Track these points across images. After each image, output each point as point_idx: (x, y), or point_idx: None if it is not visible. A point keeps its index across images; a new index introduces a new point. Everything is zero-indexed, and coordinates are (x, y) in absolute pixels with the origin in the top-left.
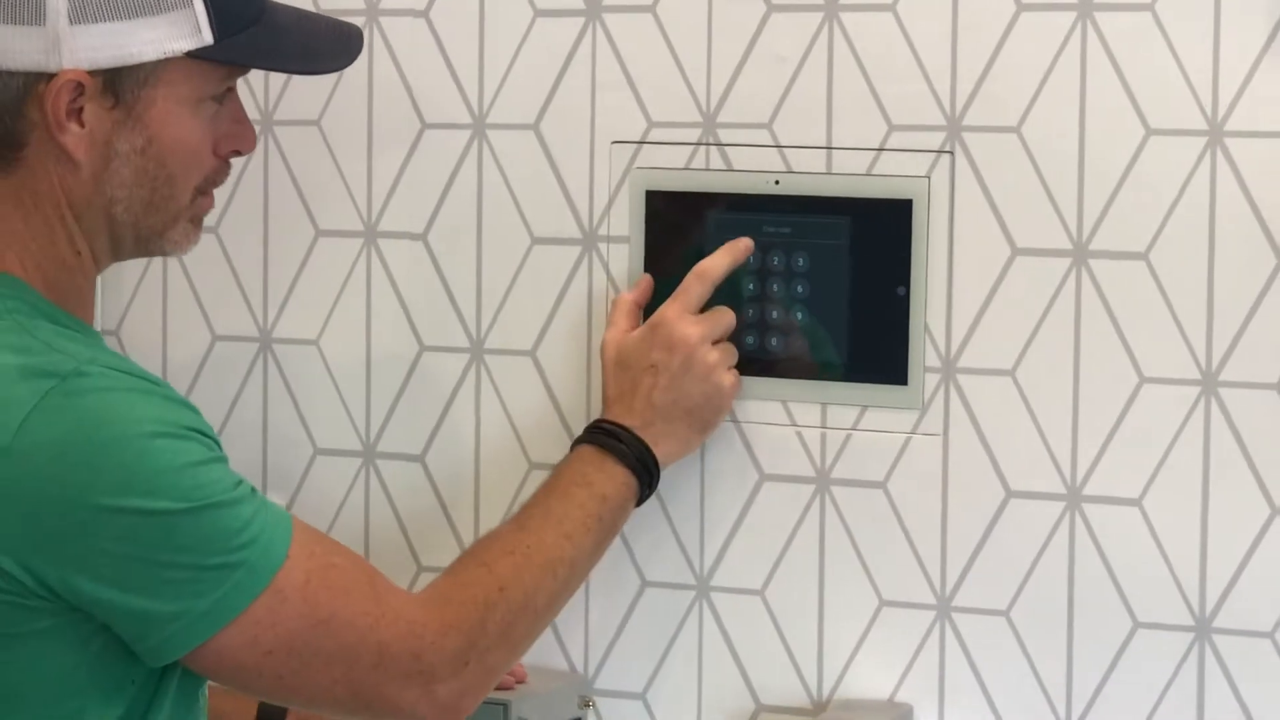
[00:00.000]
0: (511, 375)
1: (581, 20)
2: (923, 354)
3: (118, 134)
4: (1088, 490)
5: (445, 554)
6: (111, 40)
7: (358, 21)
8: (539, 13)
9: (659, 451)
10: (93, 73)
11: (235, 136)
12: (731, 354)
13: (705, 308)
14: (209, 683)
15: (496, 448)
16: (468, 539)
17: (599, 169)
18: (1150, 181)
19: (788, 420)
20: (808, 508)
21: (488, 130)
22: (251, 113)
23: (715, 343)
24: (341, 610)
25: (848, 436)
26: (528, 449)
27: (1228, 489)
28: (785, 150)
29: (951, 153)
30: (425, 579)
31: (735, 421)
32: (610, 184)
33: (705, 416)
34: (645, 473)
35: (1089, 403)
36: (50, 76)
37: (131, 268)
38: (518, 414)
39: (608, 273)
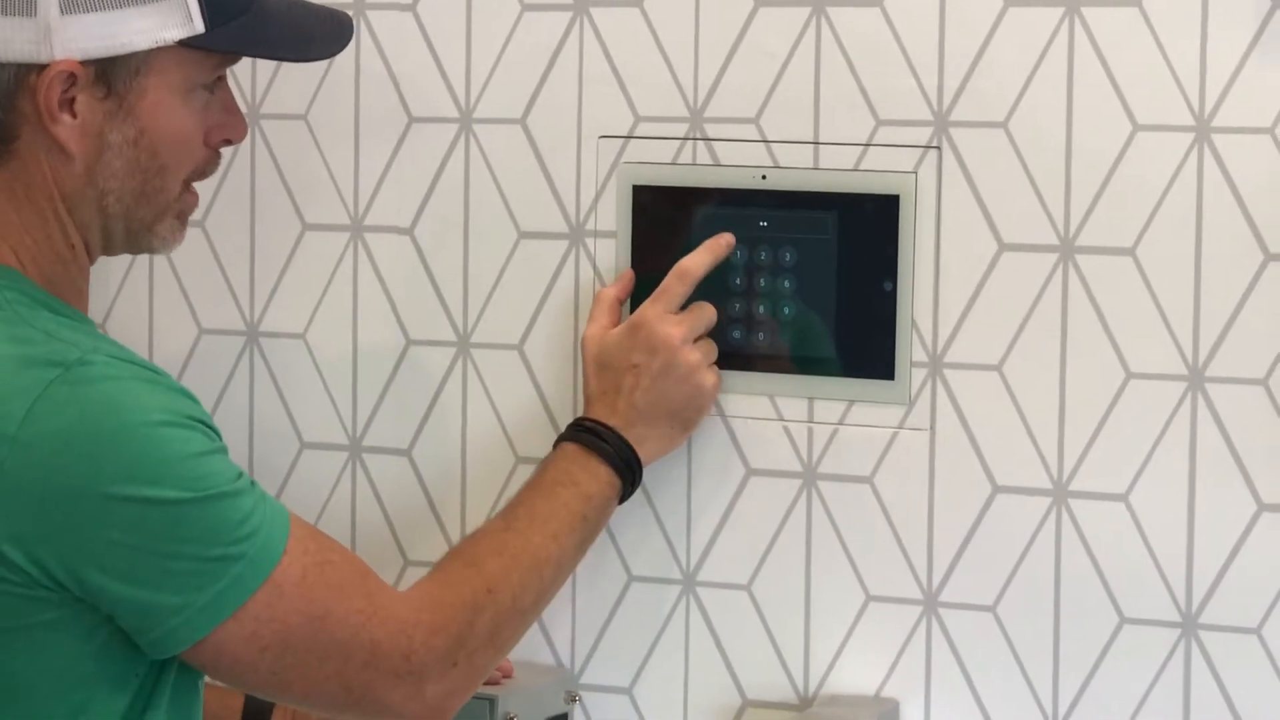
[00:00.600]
0: (498, 369)
1: (569, 14)
2: (910, 349)
3: (110, 125)
4: (1074, 485)
5: (432, 548)
6: (103, 30)
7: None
8: (526, 7)
9: (642, 451)
10: (84, 63)
11: (226, 126)
12: (712, 352)
13: (687, 303)
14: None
15: (483, 442)
16: (454, 533)
17: (586, 163)
18: (1137, 177)
19: (774, 415)
20: (794, 502)
21: (475, 124)
22: None
23: (696, 340)
24: (336, 607)
25: (834, 431)
26: (514, 443)
27: (1214, 484)
28: (772, 145)
29: (939, 148)
30: (412, 573)
31: (722, 416)
32: (597, 178)
33: (687, 416)
34: (628, 471)
35: (1076, 398)
36: (42, 68)
37: (118, 262)
38: (505, 408)
39: (595, 267)
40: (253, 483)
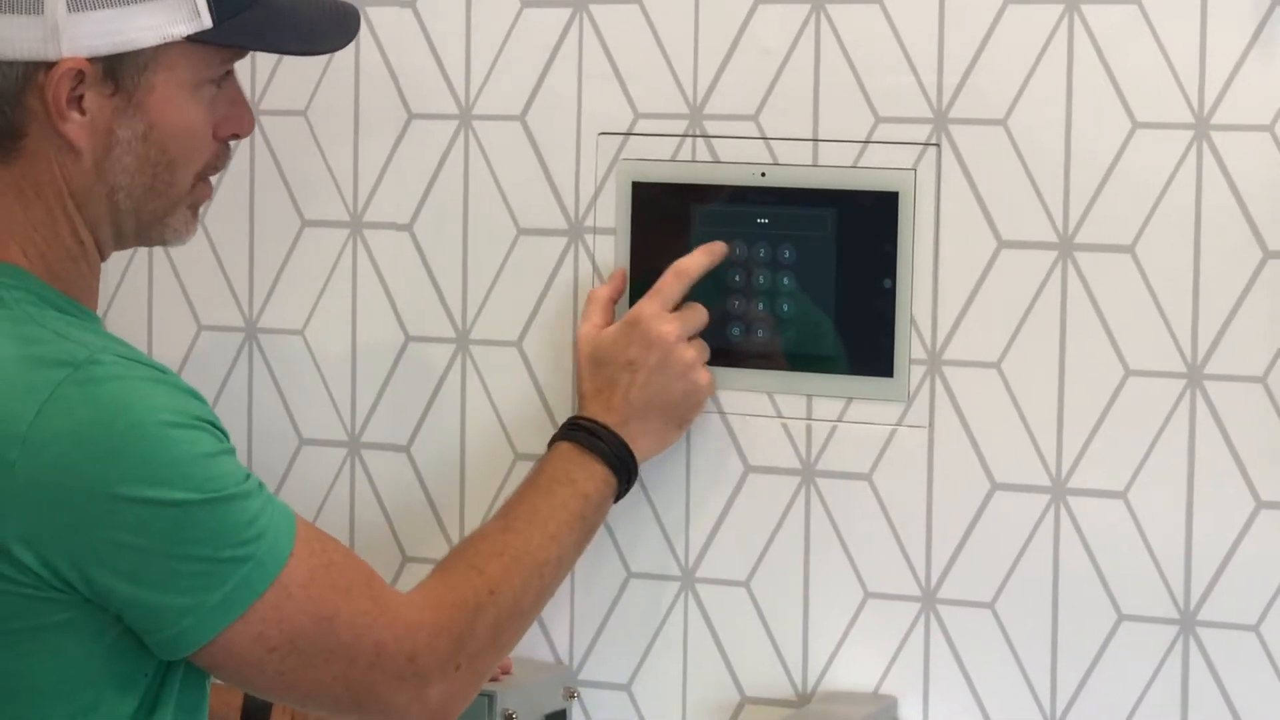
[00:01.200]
0: (497, 366)
1: (568, 11)
2: (908, 346)
3: (119, 121)
4: (1073, 483)
5: (431, 544)
6: (110, 27)
7: None
8: (525, 3)
9: (637, 448)
10: (92, 60)
11: (234, 119)
12: (706, 351)
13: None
14: None
15: (482, 438)
16: (453, 529)
17: (585, 160)
18: (1136, 175)
19: (773, 412)
20: (793, 499)
21: (474, 121)
22: None
23: (690, 339)
24: (343, 608)
25: (833, 428)
26: (513, 439)
27: (1213, 482)
28: (771, 142)
29: (938, 145)
30: (410, 569)
31: (720, 413)
32: (596, 175)
33: (682, 413)
34: (624, 470)
35: (1074, 395)
36: (50, 65)
37: (117, 258)
38: (503, 404)
39: (594, 264)
40: (260, 484)
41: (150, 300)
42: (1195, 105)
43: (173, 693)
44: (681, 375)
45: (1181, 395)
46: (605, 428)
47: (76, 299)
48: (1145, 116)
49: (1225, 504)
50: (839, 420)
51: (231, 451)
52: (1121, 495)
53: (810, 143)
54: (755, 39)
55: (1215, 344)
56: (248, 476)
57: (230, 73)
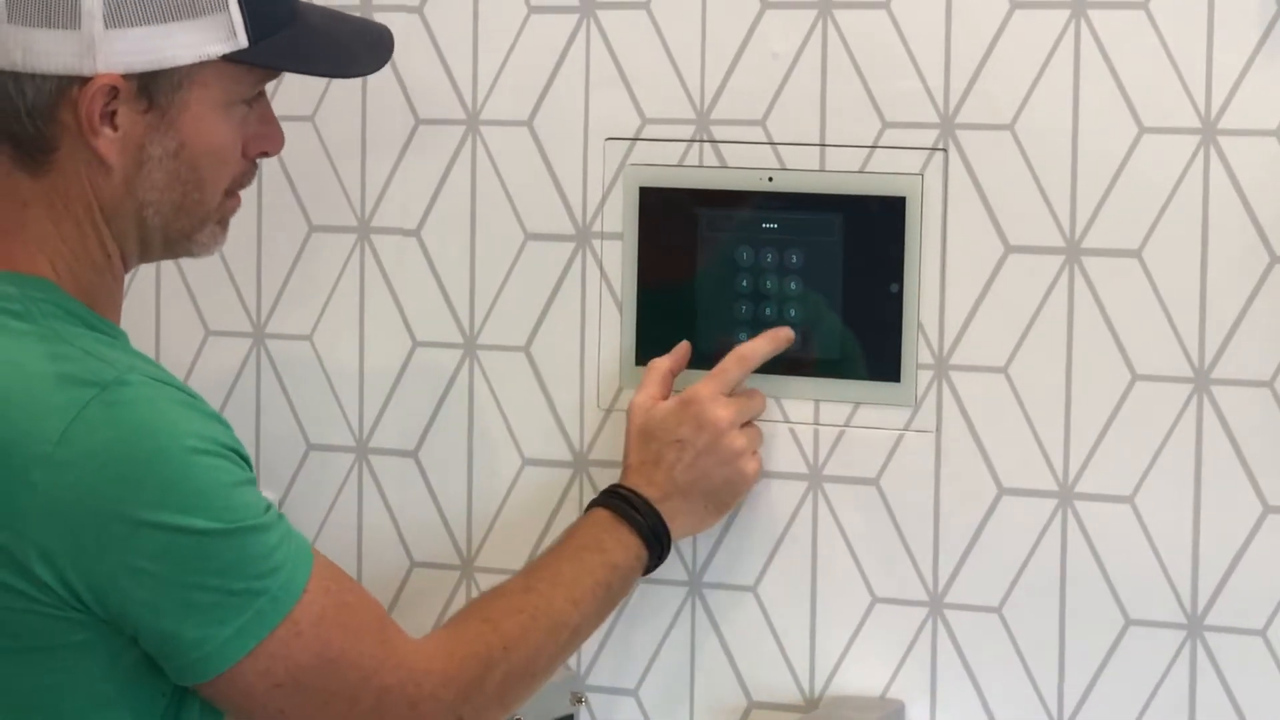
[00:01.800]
0: (505, 371)
1: (575, 16)
2: (916, 351)
3: (150, 137)
4: (1080, 487)
5: (438, 550)
6: (147, 44)
7: None
8: (533, 9)
9: (673, 526)
10: (127, 76)
11: (264, 138)
12: (758, 438)
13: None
14: None
15: (490, 443)
16: (460, 536)
17: (593, 165)
18: (1143, 179)
19: (781, 416)
20: (800, 504)
21: (481, 126)
22: None
23: (743, 426)
24: (350, 650)
25: (841, 433)
26: (521, 444)
27: (1220, 486)
28: (779, 147)
29: (945, 150)
30: (418, 575)
31: None
32: (604, 180)
33: (724, 499)
34: (657, 544)
35: (1081, 400)
36: (84, 80)
37: None
38: (511, 410)
39: (601, 269)
40: (281, 517)
41: (158, 306)
42: (1202, 110)
43: (192, 714)
44: (729, 460)
45: (1188, 400)
46: (644, 500)
47: (102, 312)
48: (1152, 121)
49: (1232, 508)
50: (846, 425)
51: (253, 481)
52: (1129, 500)
53: (817, 148)
54: (762, 44)
55: (1222, 349)
56: (268, 508)
57: (262, 92)
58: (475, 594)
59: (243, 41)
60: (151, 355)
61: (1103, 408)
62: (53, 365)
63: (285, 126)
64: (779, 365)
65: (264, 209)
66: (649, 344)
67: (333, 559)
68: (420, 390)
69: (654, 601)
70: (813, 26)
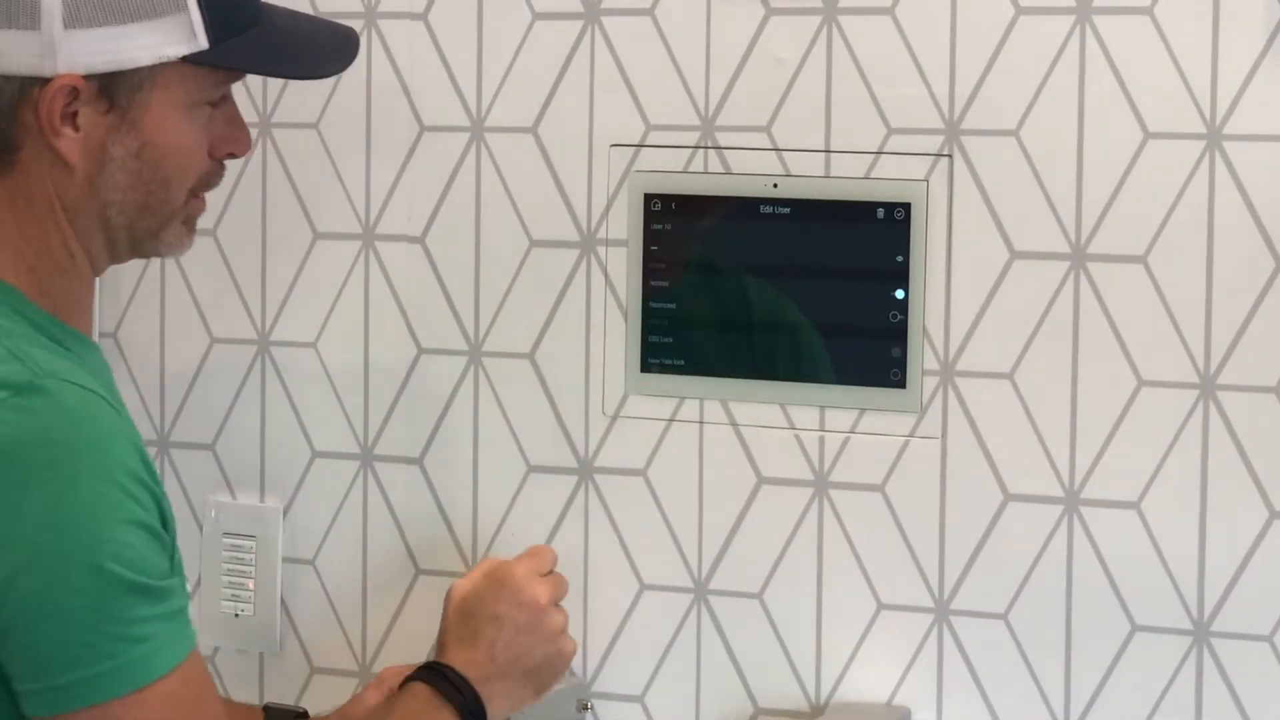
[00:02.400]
0: (510, 378)
1: (580, 23)
2: (921, 357)
3: (112, 138)
4: (1086, 493)
5: (443, 557)
6: (107, 45)
7: (356, 24)
8: (537, 15)
9: (491, 708)
10: (87, 77)
11: (230, 139)
12: (568, 620)
13: None
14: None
15: (495, 450)
16: (466, 542)
17: (597, 172)
18: (1149, 185)
19: (786, 423)
20: (806, 511)
21: (486, 133)
22: (249, 115)
23: (556, 605)
24: None
25: (846, 439)
26: (526, 452)
27: (1226, 492)
28: (784, 153)
29: (950, 156)
30: (424, 582)
31: (733, 424)
32: (609, 187)
33: (543, 679)
34: None
35: (1087, 406)
36: (45, 81)
37: (129, 271)
38: (516, 417)
39: (606, 276)
40: (179, 593)
41: (163, 313)
42: (1207, 115)
43: None
44: (549, 639)
45: (1194, 406)
46: (465, 680)
47: (66, 316)
48: (1157, 127)
49: (1239, 514)
50: (851, 431)
51: (161, 538)
52: (1135, 506)
53: (822, 154)
54: (767, 50)
55: (1228, 354)
56: (169, 578)
57: (227, 94)
58: None
59: (203, 43)
60: (156, 362)
61: (1108, 414)
62: None
63: (290, 134)
64: (784, 372)
65: (268, 216)
66: (653, 351)
67: (338, 567)
68: (425, 397)
69: (660, 608)
70: (817, 33)
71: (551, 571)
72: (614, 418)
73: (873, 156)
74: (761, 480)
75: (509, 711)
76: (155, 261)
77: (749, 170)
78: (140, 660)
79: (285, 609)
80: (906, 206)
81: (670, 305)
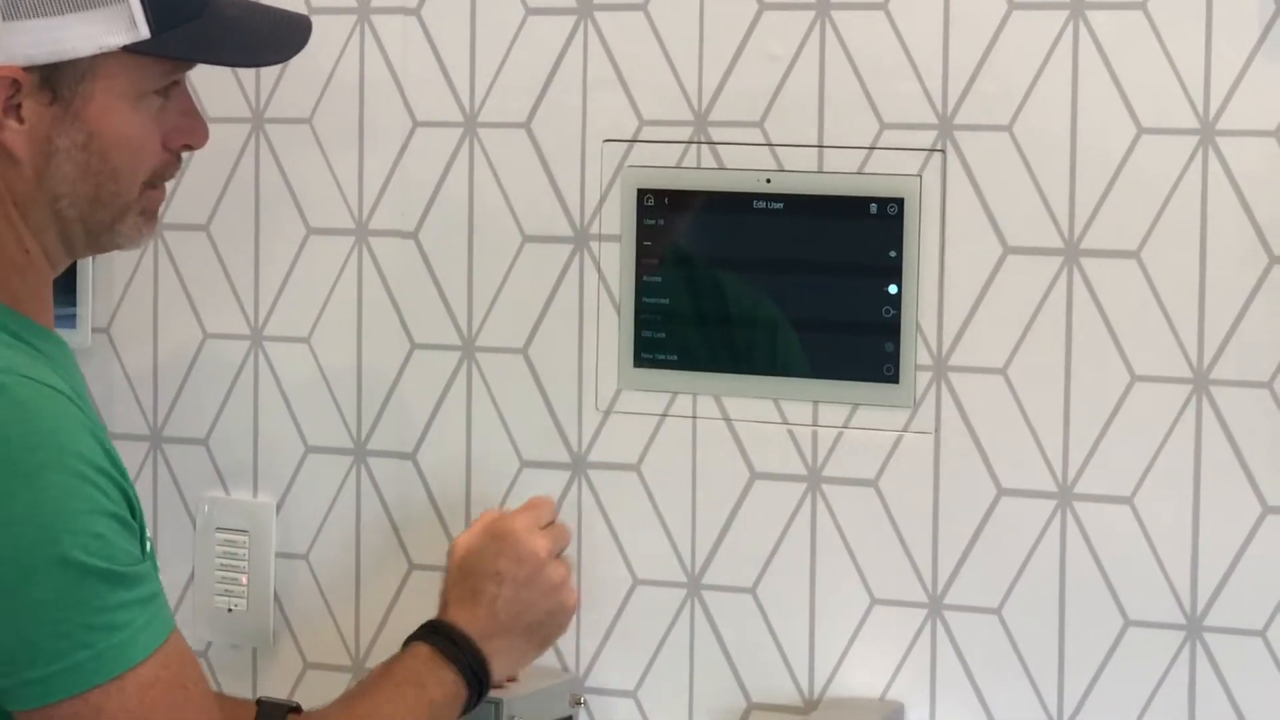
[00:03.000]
0: (503, 373)
1: (573, 18)
2: (914, 352)
3: (57, 130)
4: (1079, 488)
5: (436, 552)
6: (45, 36)
7: (349, 20)
8: (530, 11)
9: (494, 665)
10: (28, 69)
11: (185, 130)
12: (570, 570)
13: None
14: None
15: (488, 445)
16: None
17: (590, 167)
18: (1142, 180)
19: (779, 418)
20: (799, 506)
21: (479, 128)
22: (242, 111)
23: (557, 557)
24: None
25: (839, 434)
26: (519, 447)
27: (1219, 487)
28: (777, 148)
29: (943, 151)
30: (416, 576)
31: (726, 419)
32: (602, 182)
33: (545, 633)
34: (476, 683)
35: (1080, 401)
36: None
37: (122, 266)
38: (509, 412)
39: (599, 271)
40: (150, 578)
41: (156, 308)
42: (1201, 111)
43: None
44: (550, 593)
45: (1188, 401)
46: (466, 639)
47: (27, 311)
48: (1150, 122)
49: (1232, 509)
50: (845, 426)
51: (128, 525)
52: (1128, 501)
53: (815, 149)
54: (760, 46)
55: (1221, 349)
56: (138, 563)
57: (179, 83)
58: None
59: (144, 32)
60: (149, 357)
61: (1102, 409)
62: None
63: (283, 129)
64: (777, 367)
65: (261, 211)
66: (646, 346)
67: (331, 561)
68: (418, 392)
69: (653, 603)
70: (810, 28)
71: (552, 523)
72: (607, 413)
73: (866, 152)
74: (755, 475)
75: (513, 668)
76: (148, 256)
77: (742, 165)
78: (117, 648)
79: (278, 604)
80: (900, 202)
81: (663, 300)
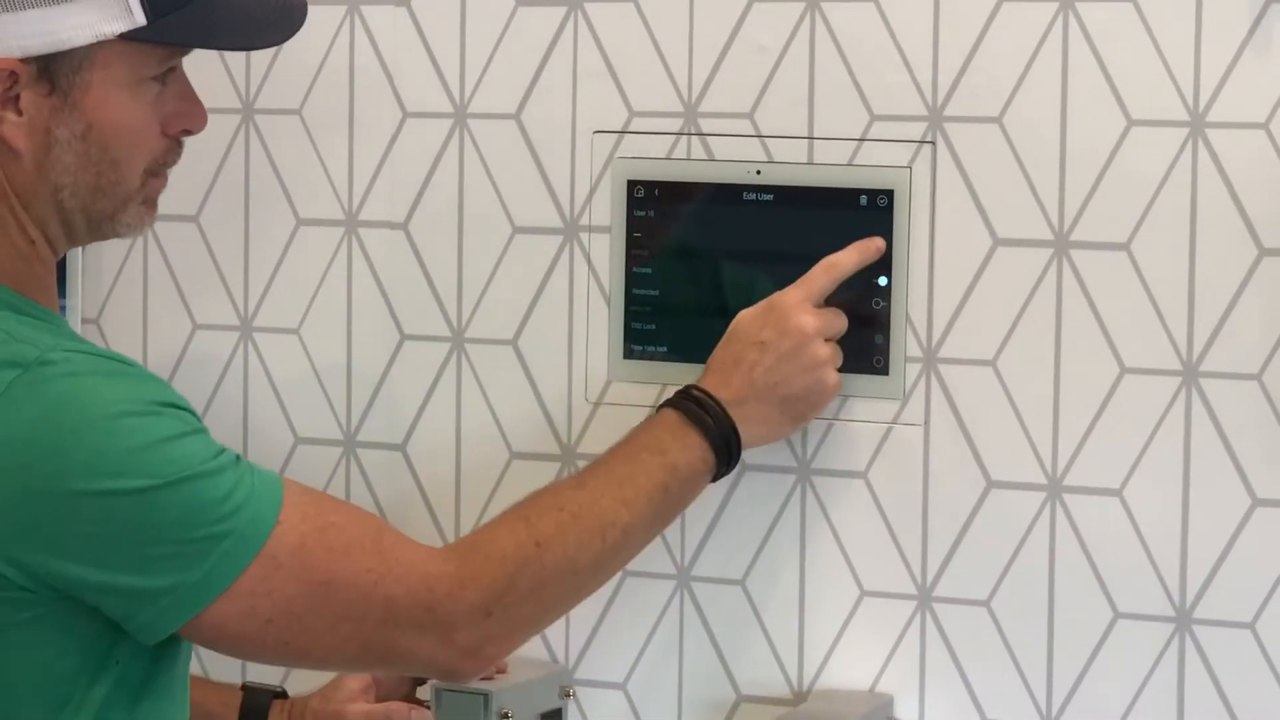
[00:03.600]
0: (493, 364)
1: (563, 10)
2: (904, 344)
3: (56, 120)
4: (1069, 480)
5: (426, 542)
6: (41, 27)
7: (339, 10)
8: (520, 2)
9: (745, 431)
10: (25, 60)
11: (183, 115)
12: (839, 355)
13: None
14: (191, 674)
15: (477, 437)
16: (448, 528)
17: (580, 158)
18: (1132, 172)
19: None
20: (789, 498)
21: (469, 120)
22: (232, 102)
23: (827, 340)
24: (341, 570)
25: (829, 426)
26: (509, 438)
27: (1208, 479)
28: (767, 140)
29: (933, 143)
30: None
31: None
32: (592, 173)
33: (801, 409)
34: (725, 450)
35: (1070, 393)
36: None
37: (111, 257)
38: (499, 403)
39: (589, 262)
40: (237, 457)
41: (145, 299)
42: (1190, 102)
43: (148, 682)
44: (810, 369)
45: (1177, 393)
46: (717, 403)
47: (34, 298)
48: (1140, 114)
49: (1221, 501)
50: (834, 418)
51: (199, 432)
52: (1117, 493)
53: (805, 140)
54: (750, 37)
55: (1211, 341)
56: (219, 453)
57: (176, 69)
58: None
59: (140, 19)
60: (139, 347)
61: (1091, 401)
62: None
63: (273, 120)
64: None
65: (251, 202)
66: (636, 337)
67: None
68: (408, 384)
69: (643, 595)
70: (800, 19)
71: (826, 307)
72: (597, 404)
73: (856, 143)
74: (744, 466)
75: (765, 439)
76: (137, 247)
77: (732, 157)
78: (250, 522)
79: None
80: (889, 193)
81: (653, 292)
